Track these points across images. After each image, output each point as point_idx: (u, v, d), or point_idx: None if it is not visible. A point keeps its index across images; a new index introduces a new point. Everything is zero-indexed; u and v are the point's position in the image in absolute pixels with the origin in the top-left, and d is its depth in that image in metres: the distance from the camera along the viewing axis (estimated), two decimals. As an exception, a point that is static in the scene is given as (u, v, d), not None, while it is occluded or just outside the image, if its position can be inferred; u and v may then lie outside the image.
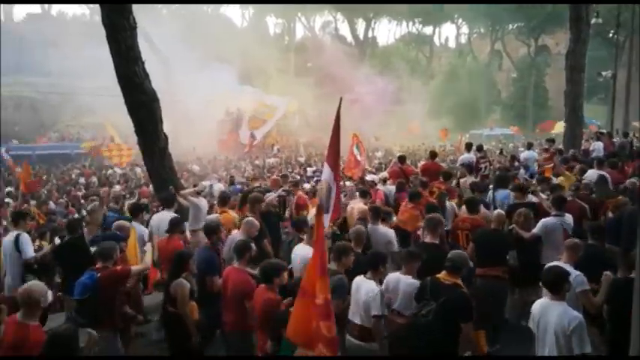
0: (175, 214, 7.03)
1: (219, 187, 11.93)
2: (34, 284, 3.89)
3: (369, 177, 10.45)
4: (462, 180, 8.71)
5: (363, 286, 4.43)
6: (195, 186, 9.20)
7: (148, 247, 5.69)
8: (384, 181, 9.82)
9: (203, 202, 8.24)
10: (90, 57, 23.47)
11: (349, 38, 57.65)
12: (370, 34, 57.84)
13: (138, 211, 7.23)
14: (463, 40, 59.94)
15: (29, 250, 6.19)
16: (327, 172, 6.45)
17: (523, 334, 5.75)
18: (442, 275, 4.36)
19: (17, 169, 19.32)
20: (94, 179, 18.86)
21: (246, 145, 25.98)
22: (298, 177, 15.95)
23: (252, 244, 5.21)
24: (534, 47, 47.81)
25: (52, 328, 3.45)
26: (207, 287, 5.27)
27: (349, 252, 4.75)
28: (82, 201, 13.65)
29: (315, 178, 14.97)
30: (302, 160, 23.09)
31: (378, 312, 4.30)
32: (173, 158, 9.60)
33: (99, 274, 4.66)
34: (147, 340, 6.17)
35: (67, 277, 5.83)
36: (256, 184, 9.52)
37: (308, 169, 18.40)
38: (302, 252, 5.44)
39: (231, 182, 12.68)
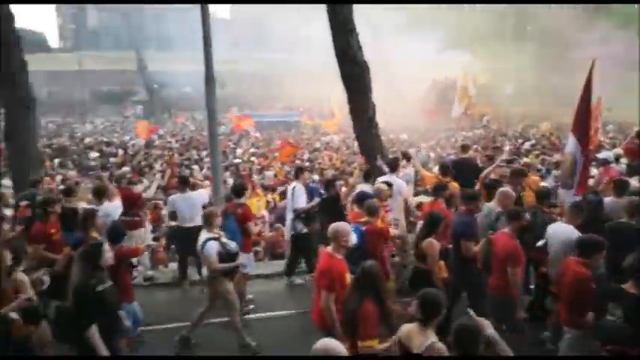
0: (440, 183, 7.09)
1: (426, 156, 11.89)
2: (341, 225, 4.61)
3: (602, 154, 9.09)
4: None
5: None
6: (404, 155, 9.29)
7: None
8: (616, 159, 8.49)
9: (411, 172, 8.52)
10: (313, 32, 25.37)
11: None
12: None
13: (369, 177, 7.71)
14: None
15: (300, 200, 7.35)
16: (572, 143, 6.01)
17: None
18: None
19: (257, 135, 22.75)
20: (318, 144, 20.50)
21: (459, 112, 24.83)
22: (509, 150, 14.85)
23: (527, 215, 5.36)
24: None
25: (361, 265, 4.11)
26: (461, 250, 5.45)
27: None
28: (307, 164, 14.97)
29: (536, 152, 13.78)
30: (517, 132, 21.33)
31: None
32: (380, 126, 9.84)
33: (364, 228, 5.35)
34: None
35: (324, 227, 6.67)
36: (465, 155, 9.11)
37: (526, 143, 16.95)
38: (559, 229, 5.20)
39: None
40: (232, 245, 5.72)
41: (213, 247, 5.51)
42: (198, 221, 7.54)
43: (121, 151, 18.38)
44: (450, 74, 31.48)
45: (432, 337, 3.35)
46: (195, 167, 13.19)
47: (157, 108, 39.98)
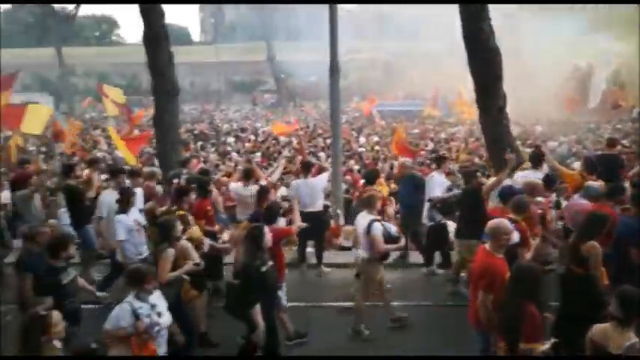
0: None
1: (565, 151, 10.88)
2: (502, 221, 4.45)
3: None
4: None
5: None
6: (537, 148, 8.58)
7: None
8: None
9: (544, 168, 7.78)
10: (437, 18, 24.46)
11: None
12: None
13: (513, 171, 7.22)
14: None
15: (436, 189, 7.34)
16: None
17: None
18: None
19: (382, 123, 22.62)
20: (443, 135, 19.73)
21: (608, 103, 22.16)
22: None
23: None
24: None
25: (517, 265, 4.05)
26: (626, 257, 5.01)
27: None
28: (431, 154, 14.52)
29: None
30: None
31: None
32: (510, 117, 9.22)
33: (513, 224, 4.96)
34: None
35: (462, 220, 6.67)
36: (612, 151, 8.12)
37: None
38: None
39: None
40: (393, 229, 5.74)
41: (379, 228, 5.55)
42: (318, 206, 7.81)
43: (253, 137, 19.60)
44: (593, 60, 28.29)
45: (633, 338, 3.25)
46: (322, 155, 13.54)
47: (283, 97, 41.85)
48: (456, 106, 23.81)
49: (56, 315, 3.44)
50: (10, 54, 55.81)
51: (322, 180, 8.05)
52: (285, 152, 12.82)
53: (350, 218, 8.70)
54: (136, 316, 3.87)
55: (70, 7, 44.55)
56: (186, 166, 8.58)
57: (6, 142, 15.82)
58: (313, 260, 8.01)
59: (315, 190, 7.74)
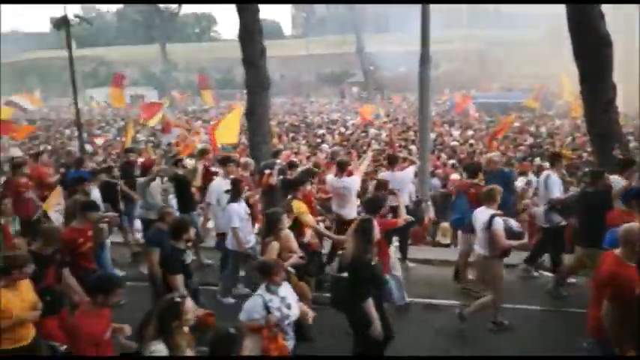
0: None
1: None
2: (635, 225, 4.05)
3: None
4: None
5: None
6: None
7: None
8: None
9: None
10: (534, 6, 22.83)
11: None
12: None
13: (629, 166, 6.55)
14: None
15: (554, 190, 6.86)
16: None
17: None
18: None
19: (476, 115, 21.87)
20: (543, 129, 18.64)
21: None
22: None
23: None
24: None
25: None
26: None
27: None
28: (532, 149, 13.69)
29: None
30: None
31: None
32: (619, 110, 8.47)
33: None
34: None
35: (584, 225, 6.17)
36: None
37: None
38: None
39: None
40: (514, 224, 5.50)
41: (500, 223, 5.33)
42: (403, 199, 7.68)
43: (343, 130, 19.77)
44: None
45: None
46: (413, 147, 13.30)
47: (370, 89, 41.61)
48: (559, 97, 22.07)
49: (189, 302, 3.54)
50: (120, 52, 61.20)
51: (409, 173, 7.88)
52: (375, 145, 12.73)
53: (446, 213, 8.50)
54: (267, 308, 3.93)
55: (174, 5, 47.57)
56: (278, 157, 8.83)
57: (120, 133, 17.48)
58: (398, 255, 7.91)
59: (402, 184, 7.58)
